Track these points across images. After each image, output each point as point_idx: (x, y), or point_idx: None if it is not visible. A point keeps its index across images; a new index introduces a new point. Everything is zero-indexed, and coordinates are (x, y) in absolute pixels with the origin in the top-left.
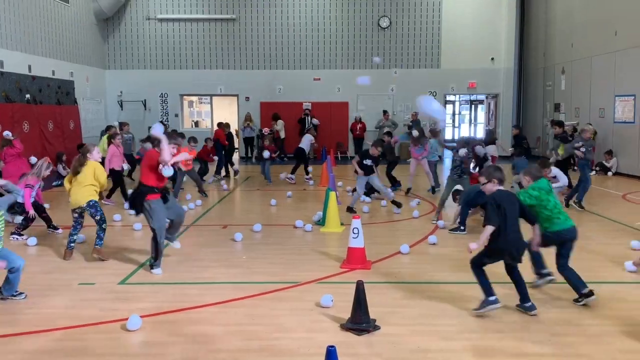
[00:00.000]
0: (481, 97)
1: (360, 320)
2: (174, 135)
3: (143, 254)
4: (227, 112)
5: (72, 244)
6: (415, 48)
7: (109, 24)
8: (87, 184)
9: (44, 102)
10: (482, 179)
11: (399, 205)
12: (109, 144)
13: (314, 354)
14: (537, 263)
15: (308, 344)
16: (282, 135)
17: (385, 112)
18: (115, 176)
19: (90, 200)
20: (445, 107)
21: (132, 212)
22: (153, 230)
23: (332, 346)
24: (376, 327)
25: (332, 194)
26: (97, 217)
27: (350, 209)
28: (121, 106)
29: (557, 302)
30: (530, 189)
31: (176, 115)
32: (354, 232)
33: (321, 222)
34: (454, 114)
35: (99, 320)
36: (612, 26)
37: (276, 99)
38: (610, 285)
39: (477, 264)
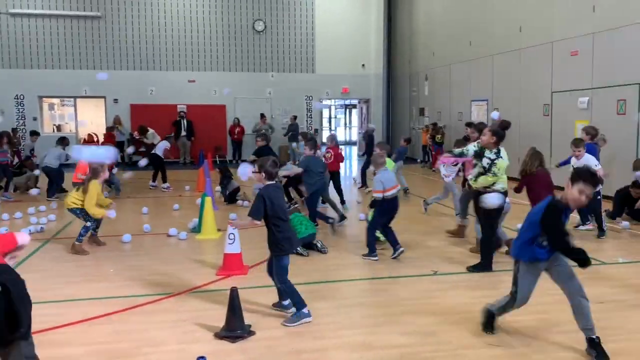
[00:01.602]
0: (355, 101)
1: (234, 327)
2: None
3: None
4: (93, 115)
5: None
6: (291, 53)
7: None
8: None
9: None
10: (255, 168)
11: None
12: None
13: None
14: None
15: (179, 356)
16: (157, 141)
17: (262, 115)
18: None
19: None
20: (322, 111)
21: None
22: None
23: (202, 357)
24: (251, 333)
25: (208, 200)
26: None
27: None
28: None
29: (424, 296)
30: None
31: (34, 119)
32: (229, 238)
33: (197, 229)
34: (330, 118)
35: None
36: (468, 37)
37: (148, 101)
38: (453, 275)
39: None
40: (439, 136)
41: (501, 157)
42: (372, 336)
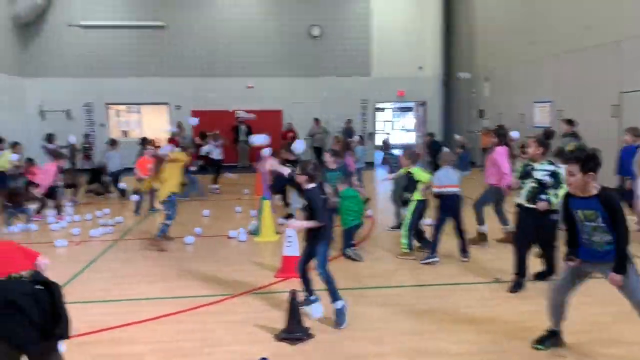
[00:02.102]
0: (411, 104)
1: (293, 330)
2: None
3: (67, 272)
4: (156, 122)
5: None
6: (346, 56)
7: (28, 30)
8: (169, 183)
9: None
10: (299, 171)
11: None
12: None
13: None
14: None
15: (240, 357)
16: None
17: (316, 119)
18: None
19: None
20: (375, 114)
21: None
22: None
23: (264, 358)
24: (310, 336)
25: (267, 203)
26: (168, 212)
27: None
28: (43, 116)
29: (464, 302)
30: (340, 197)
31: (102, 125)
32: (288, 241)
33: (256, 232)
34: (385, 121)
35: None
36: (530, 36)
37: (208, 107)
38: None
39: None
40: None
41: (559, 165)
42: (430, 342)
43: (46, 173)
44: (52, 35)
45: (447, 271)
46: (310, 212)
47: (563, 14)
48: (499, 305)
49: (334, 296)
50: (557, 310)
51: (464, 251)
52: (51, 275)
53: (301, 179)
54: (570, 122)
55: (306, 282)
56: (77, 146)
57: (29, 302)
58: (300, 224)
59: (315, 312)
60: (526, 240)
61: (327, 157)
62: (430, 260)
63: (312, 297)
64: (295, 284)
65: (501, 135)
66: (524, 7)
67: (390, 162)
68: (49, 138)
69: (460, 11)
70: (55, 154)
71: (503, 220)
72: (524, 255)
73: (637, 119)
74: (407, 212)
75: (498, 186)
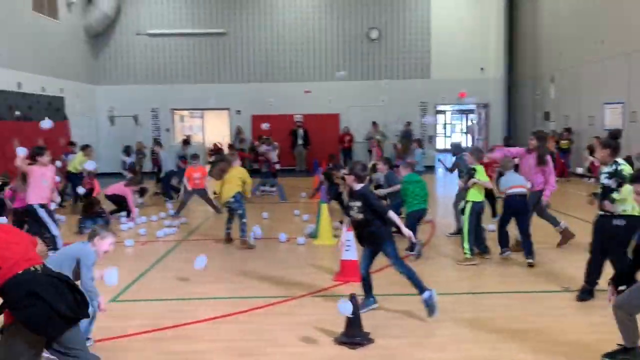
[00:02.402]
0: (472, 106)
1: (354, 334)
2: None
3: (134, 270)
4: (219, 126)
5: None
6: (406, 59)
7: (99, 40)
8: (233, 183)
9: (34, 119)
10: (346, 171)
11: None
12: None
13: None
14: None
15: (301, 358)
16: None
17: (374, 123)
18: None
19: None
20: (436, 116)
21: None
22: None
23: None
24: (370, 340)
25: (325, 206)
26: (240, 212)
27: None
28: (112, 122)
29: (549, 311)
30: (404, 181)
31: (167, 130)
32: (346, 245)
33: (314, 235)
34: (445, 124)
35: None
36: (599, 35)
37: (267, 111)
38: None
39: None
40: (565, 142)
41: (622, 164)
42: (494, 352)
43: (123, 193)
44: (120, 44)
45: (512, 278)
46: (368, 211)
47: (634, 11)
48: (567, 315)
49: (420, 288)
50: (629, 328)
51: (529, 253)
52: (121, 274)
53: (349, 179)
54: None
55: (367, 285)
56: (143, 151)
57: (52, 293)
58: (403, 227)
59: (344, 310)
60: (598, 249)
61: (380, 165)
62: (505, 254)
63: (371, 299)
64: (355, 287)
65: (541, 138)
66: (592, 5)
67: (461, 167)
68: (127, 150)
69: (524, 10)
70: (130, 182)
71: (552, 221)
72: (595, 264)
73: None
74: (464, 215)
75: (538, 190)
